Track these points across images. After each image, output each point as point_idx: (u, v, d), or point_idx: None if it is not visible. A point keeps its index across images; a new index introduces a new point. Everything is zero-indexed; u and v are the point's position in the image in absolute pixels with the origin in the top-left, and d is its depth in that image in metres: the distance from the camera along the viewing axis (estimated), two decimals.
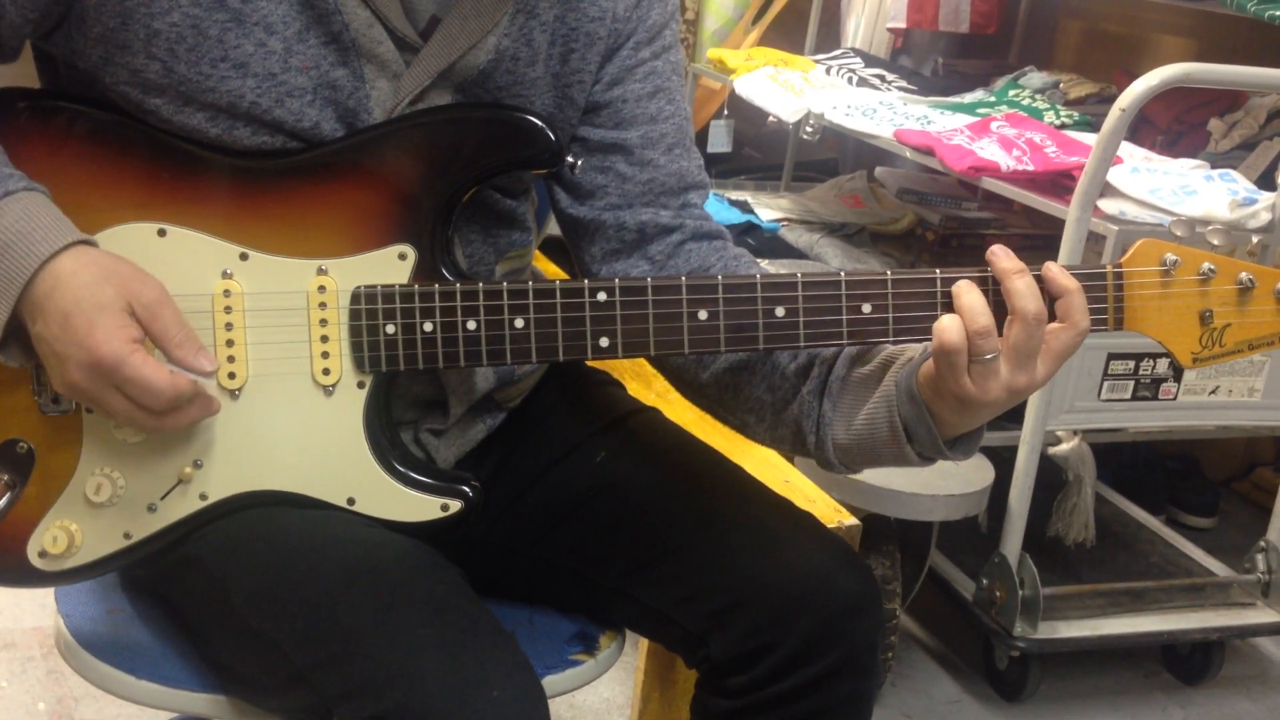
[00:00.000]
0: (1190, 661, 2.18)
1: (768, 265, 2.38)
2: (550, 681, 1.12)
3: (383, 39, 1.01)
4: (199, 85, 0.97)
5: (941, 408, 0.96)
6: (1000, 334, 0.93)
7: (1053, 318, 0.94)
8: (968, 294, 0.94)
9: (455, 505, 1.03)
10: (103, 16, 0.95)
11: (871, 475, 1.88)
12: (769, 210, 2.67)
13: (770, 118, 2.53)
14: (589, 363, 1.28)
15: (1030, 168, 1.95)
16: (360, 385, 1.01)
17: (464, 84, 1.04)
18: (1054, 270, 0.94)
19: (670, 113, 1.13)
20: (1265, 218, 1.81)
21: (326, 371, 1.00)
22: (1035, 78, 2.61)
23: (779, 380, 1.06)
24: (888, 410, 0.98)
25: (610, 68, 1.11)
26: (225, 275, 0.99)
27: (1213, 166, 1.98)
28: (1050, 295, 0.94)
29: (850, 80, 2.68)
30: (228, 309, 0.99)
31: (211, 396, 0.97)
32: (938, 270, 0.96)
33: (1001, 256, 0.94)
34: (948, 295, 0.95)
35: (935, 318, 0.95)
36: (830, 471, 1.06)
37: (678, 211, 1.12)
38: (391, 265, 1.00)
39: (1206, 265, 0.96)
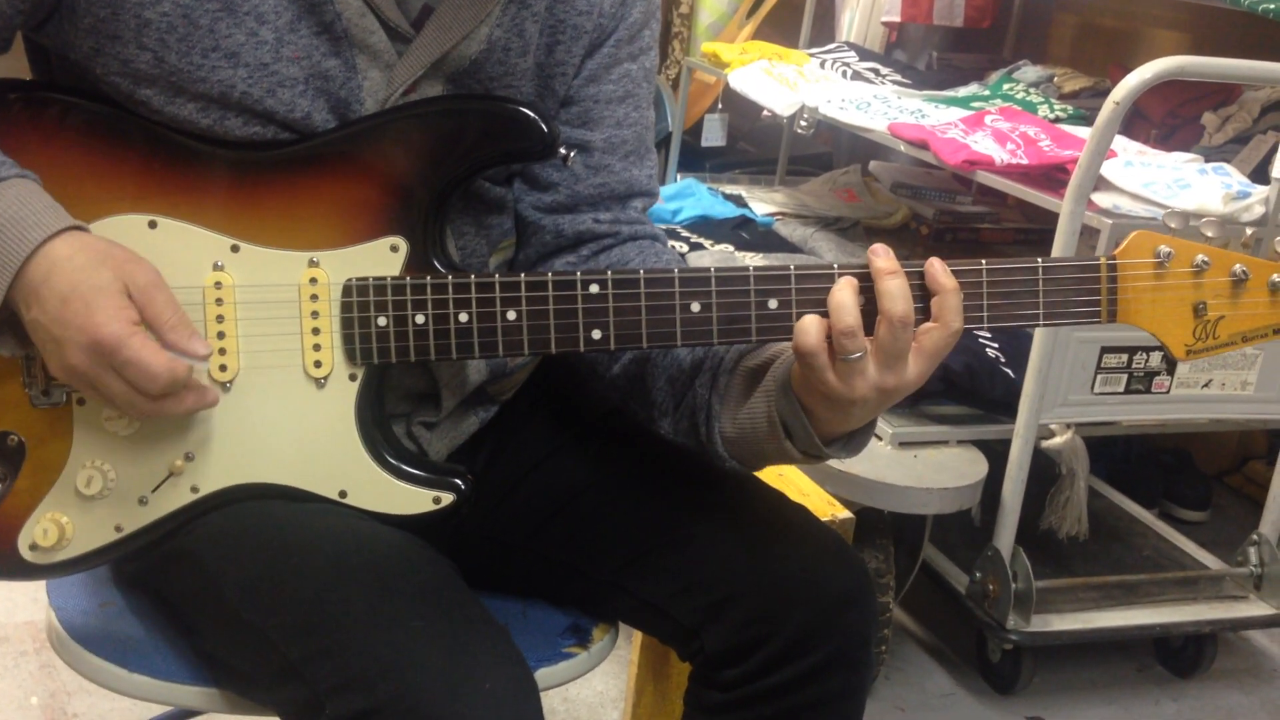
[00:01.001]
0: (1183, 654, 2.18)
1: (761, 259, 2.38)
2: (543, 674, 1.12)
3: (375, 29, 1.00)
4: (190, 75, 0.97)
5: (814, 404, 0.95)
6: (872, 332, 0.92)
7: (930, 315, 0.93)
8: (838, 292, 0.92)
9: (447, 498, 1.03)
10: (93, 7, 0.95)
11: (865, 469, 1.88)
12: (763, 204, 2.67)
13: (765, 112, 2.52)
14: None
15: (1024, 161, 1.95)
16: (352, 378, 1.01)
17: (455, 74, 1.04)
18: (935, 267, 0.93)
19: (634, 119, 1.14)
20: (1258, 211, 1.81)
21: (318, 364, 1.00)
22: (1029, 71, 2.61)
23: (676, 373, 1.06)
24: (766, 405, 0.98)
25: (590, 63, 1.11)
26: (216, 267, 0.99)
27: (1206, 160, 1.98)
28: (929, 292, 0.93)
29: (845, 74, 2.68)
30: (219, 301, 0.99)
31: (208, 388, 0.97)
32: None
33: (880, 255, 0.93)
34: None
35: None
36: (724, 467, 1.05)
37: (615, 216, 1.13)
38: (383, 257, 1.00)
39: (1200, 257, 0.96)
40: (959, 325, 0.93)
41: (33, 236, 0.90)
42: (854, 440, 0.98)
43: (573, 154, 1.09)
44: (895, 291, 0.91)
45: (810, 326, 0.92)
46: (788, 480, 1.57)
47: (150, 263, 0.94)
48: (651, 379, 1.08)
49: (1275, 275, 0.96)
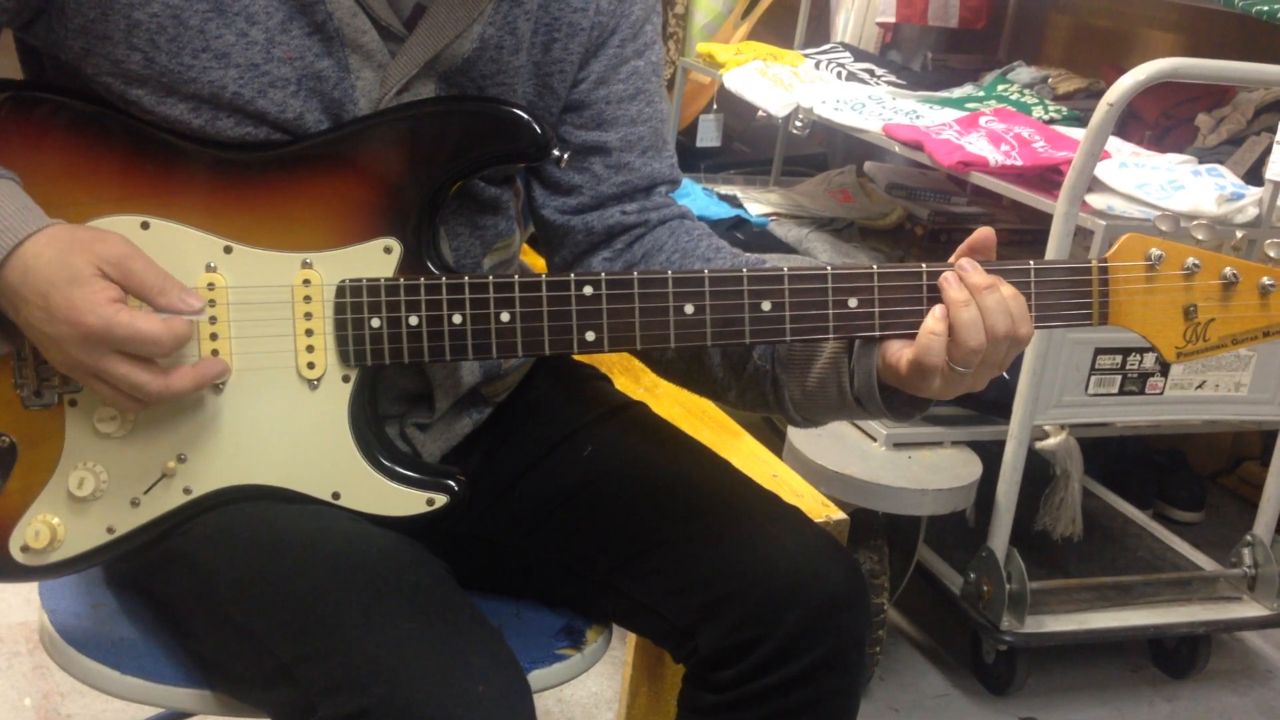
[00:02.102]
0: (1177, 655, 2.19)
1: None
2: (537, 676, 1.12)
3: (367, 28, 1.00)
4: (181, 76, 0.96)
5: (898, 391, 1.00)
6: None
7: None
8: (966, 309, 0.94)
9: (441, 499, 1.03)
10: (83, 8, 0.95)
11: (859, 470, 1.88)
12: (758, 205, 2.67)
13: (759, 112, 2.52)
14: (575, 357, 1.28)
15: (1018, 162, 1.95)
16: (345, 379, 1.01)
17: (448, 73, 1.04)
18: (1004, 285, 0.96)
19: (649, 115, 1.14)
20: (1252, 212, 1.81)
21: (311, 365, 1.00)
22: (1024, 72, 2.62)
23: (733, 348, 1.07)
24: (836, 374, 1.01)
25: (596, 65, 1.11)
26: (209, 269, 0.99)
27: (1200, 161, 1.99)
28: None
29: (839, 75, 2.68)
30: (212, 303, 0.99)
31: (214, 359, 0.97)
32: (923, 264, 0.96)
33: (971, 271, 0.95)
34: (934, 289, 0.96)
35: (922, 311, 0.95)
36: (798, 427, 1.08)
37: (641, 205, 1.14)
38: (377, 258, 1.00)
39: (1191, 260, 0.96)
40: (1030, 330, 0.97)
41: (3, 243, 0.90)
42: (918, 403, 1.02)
43: (566, 155, 1.09)
44: (997, 308, 0.94)
45: (938, 348, 0.94)
46: (781, 481, 1.57)
47: (116, 233, 0.93)
48: (707, 357, 1.10)
49: (1265, 278, 0.97)
